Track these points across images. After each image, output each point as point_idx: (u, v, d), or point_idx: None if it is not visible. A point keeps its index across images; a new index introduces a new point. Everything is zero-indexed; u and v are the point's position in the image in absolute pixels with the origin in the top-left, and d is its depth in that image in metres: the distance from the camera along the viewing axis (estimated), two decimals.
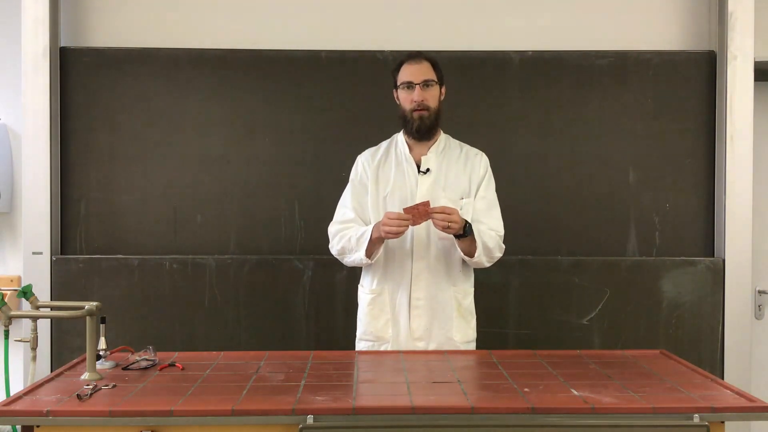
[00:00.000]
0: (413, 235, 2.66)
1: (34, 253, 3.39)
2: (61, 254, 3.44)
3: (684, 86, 3.51)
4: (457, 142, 2.85)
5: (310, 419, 1.83)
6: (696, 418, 1.86)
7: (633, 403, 1.92)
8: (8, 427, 2.85)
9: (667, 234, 3.50)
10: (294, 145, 3.49)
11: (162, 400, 1.94)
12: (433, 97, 2.71)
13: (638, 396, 1.98)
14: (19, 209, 3.50)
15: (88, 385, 2.08)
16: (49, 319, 3.31)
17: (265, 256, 3.45)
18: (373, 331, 2.71)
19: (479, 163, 2.78)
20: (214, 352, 2.52)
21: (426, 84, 2.69)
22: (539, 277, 3.44)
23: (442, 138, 2.80)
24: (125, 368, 2.29)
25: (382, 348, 2.69)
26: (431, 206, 2.55)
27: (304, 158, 3.48)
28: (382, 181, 2.76)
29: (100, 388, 2.06)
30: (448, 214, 2.51)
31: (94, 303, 2.19)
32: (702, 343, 3.45)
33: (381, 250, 2.67)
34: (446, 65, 2.81)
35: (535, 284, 3.44)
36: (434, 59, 2.76)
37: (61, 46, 3.48)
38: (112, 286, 3.41)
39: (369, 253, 2.64)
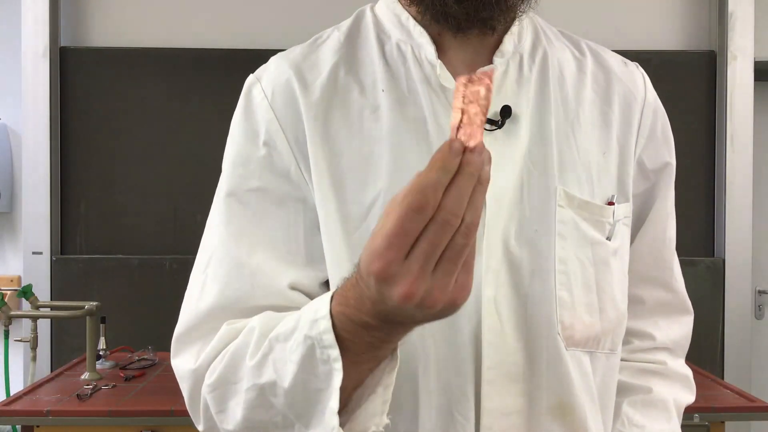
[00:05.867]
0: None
1: (34, 253, 3.39)
2: (61, 254, 3.44)
3: (684, 86, 3.51)
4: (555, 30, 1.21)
5: None
6: (696, 418, 1.86)
7: None
8: (8, 427, 2.85)
9: None
10: None
11: (162, 400, 1.94)
12: None
13: None
14: (19, 209, 3.50)
15: (88, 385, 2.08)
16: (49, 319, 3.31)
17: None
18: None
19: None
20: None
21: None
22: None
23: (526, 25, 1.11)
24: (125, 368, 2.29)
25: None
26: None
27: None
28: (349, 149, 1.01)
29: (100, 388, 2.06)
30: None
31: (94, 303, 2.20)
32: (702, 343, 3.44)
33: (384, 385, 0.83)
34: None
35: None
36: None
37: (61, 46, 3.48)
38: (112, 286, 3.40)
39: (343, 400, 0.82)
